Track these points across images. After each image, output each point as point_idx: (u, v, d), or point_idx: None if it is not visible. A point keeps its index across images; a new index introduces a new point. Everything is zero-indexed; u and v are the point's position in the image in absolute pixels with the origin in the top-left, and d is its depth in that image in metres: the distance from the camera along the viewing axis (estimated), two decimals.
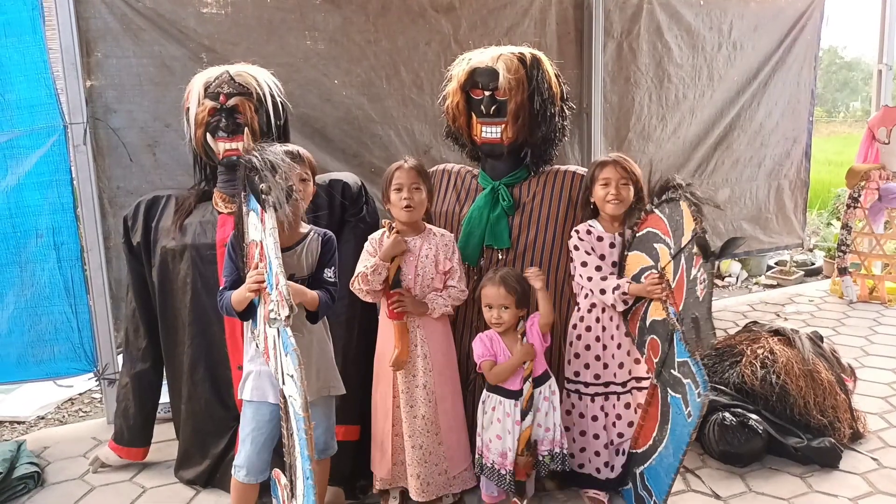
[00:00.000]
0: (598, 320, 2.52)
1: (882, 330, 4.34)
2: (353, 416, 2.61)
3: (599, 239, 2.55)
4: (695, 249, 2.14)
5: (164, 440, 3.01)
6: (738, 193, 4.99)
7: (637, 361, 2.53)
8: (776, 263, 6.18)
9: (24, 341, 3.24)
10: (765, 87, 4.89)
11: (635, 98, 4.38)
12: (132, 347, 2.87)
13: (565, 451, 2.42)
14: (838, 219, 6.14)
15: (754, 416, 2.83)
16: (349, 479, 2.63)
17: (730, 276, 6.03)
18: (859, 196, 4.97)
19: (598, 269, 2.51)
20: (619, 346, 2.51)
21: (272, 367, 2.01)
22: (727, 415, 2.83)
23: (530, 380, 2.36)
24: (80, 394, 3.90)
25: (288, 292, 1.83)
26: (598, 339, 2.52)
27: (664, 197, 2.37)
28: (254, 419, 2.20)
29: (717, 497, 2.59)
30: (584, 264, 2.53)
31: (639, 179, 2.53)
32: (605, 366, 2.51)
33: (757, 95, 4.87)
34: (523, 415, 2.34)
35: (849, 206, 5.01)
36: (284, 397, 1.95)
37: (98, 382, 3.39)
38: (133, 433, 2.88)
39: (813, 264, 6.16)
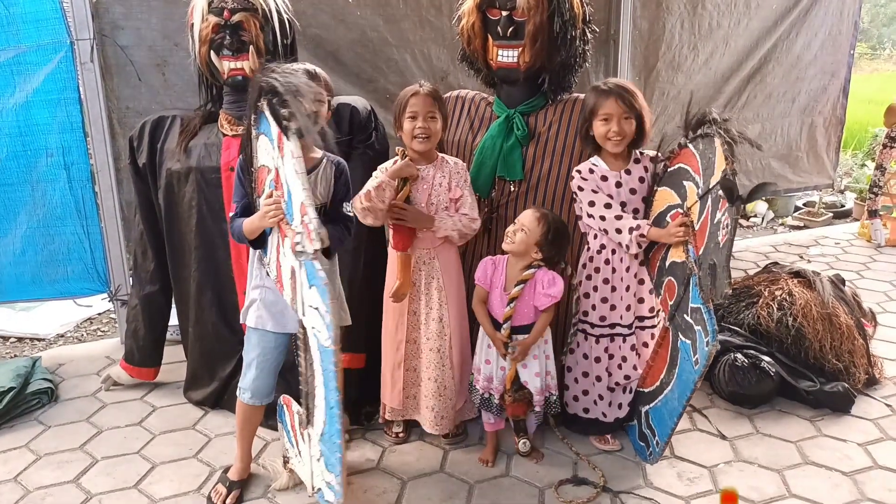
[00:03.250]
0: (607, 262, 2.43)
1: None
2: (358, 344, 2.61)
3: (604, 178, 2.40)
4: (720, 192, 2.03)
5: (175, 361, 3.05)
6: (769, 130, 4.79)
7: (641, 301, 2.46)
8: (804, 204, 6.00)
9: (37, 260, 3.27)
10: (805, 17, 4.61)
11: (666, 25, 4.15)
12: (141, 270, 2.87)
13: (554, 393, 2.42)
14: (873, 159, 5.90)
15: (767, 359, 2.78)
16: (355, 406, 2.65)
17: (755, 216, 5.87)
18: None
19: (608, 206, 2.36)
20: (627, 289, 2.43)
21: (287, 296, 1.97)
22: (739, 356, 2.78)
23: (507, 324, 2.32)
24: (100, 314, 3.96)
25: (318, 224, 1.75)
26: (606, 280, 2.44)
27: (699, 131, 2.22)
28: (259, 345, 2.19)
29: (724, 437, 2.57)
30: (591, 203, 2.38)
31: (642, 111, 2.35)
32: (613, 307, 2.45)
33: (796, 25, 4.60)
34: (504, 350, 2.34)
35: (885, 146, 4.79)
36: (304, 328, 1.93)
37: (112, 302, 3.43)
38: (143, 354, 2.92)
39: (843, 206, 5.96)
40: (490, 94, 2.77)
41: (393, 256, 2.44)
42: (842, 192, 6.31)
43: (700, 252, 2.14)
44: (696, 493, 2.28)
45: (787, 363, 2.81)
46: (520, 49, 2.49)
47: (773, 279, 3.16)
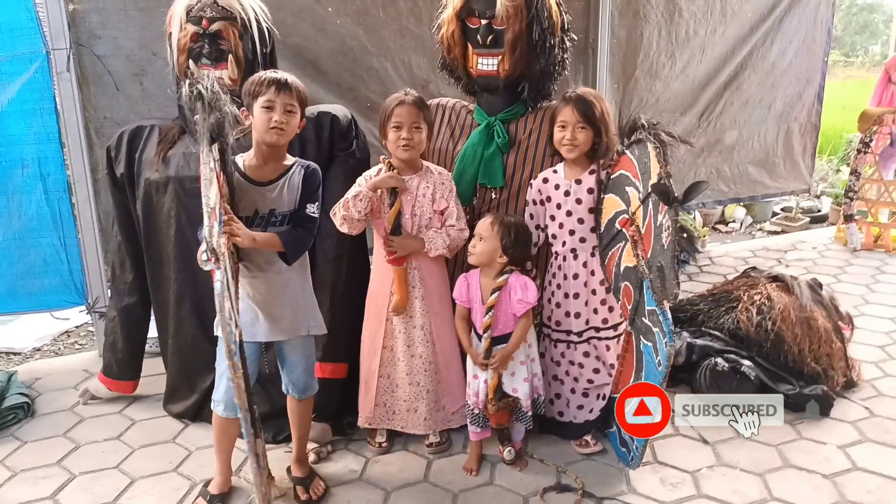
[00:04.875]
0: (560, 268, 2.49)
1: (884, 279, 4.27)
2: (341, 354, 2.60)
3: (556, 187, 2.47)
4: (656, 195, 2.06)
5: (154, 374, 3.01)
6: (746, 136, 4.85)
7: (595, 311, 2.49)
8: (781, 209, 6.08)
9: (13, 273, 3.22)
10: (779, 25, 4.68)
11: (644, 33, 4.20)
12: (119, 281, 2.84)
13: (540, 395, 2.45)
14: (848, 165, 6.00)
15: (747, 363, 2.80)
16: (337, 416, 2.63)
17: (734, 221, 5.94)
18: (870, 141, 4.81)
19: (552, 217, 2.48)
20: (576, 296, 2.47)
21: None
22: (720, 360, 2.80)
23: (486, 335, 2.34)
24: (77, 326, 3.90)
25: (210, 234, 1.75)
26: (559, 286, 2.49)
27: (633, 137, 2.27)
28: None
29: (705, 442, 2.59)
30: (530, 216, 2.52)
31: (600, 121, 2.37)
32: (567, 314, 2.50)
33: (771, 33, 4.67)
34: (486, 359, 2.36)
35: (859, 151, 4.87)
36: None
37: (89, 315, 3.38)
38: (121, 366, 2.88)
39: (819, 211, 6.05)
40: (470, 101, 2.78)
41: (381, 266, 2.45)
42: (818, 197, 6.40)
43: (648, 255, 2.16)
44: (680, 499, 2.29)
45: (767, 367, 2.83)
46: (499, 57, 2.51)
47: (751, 284, 3.20)
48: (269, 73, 2.12)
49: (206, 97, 1.85)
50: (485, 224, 2.35)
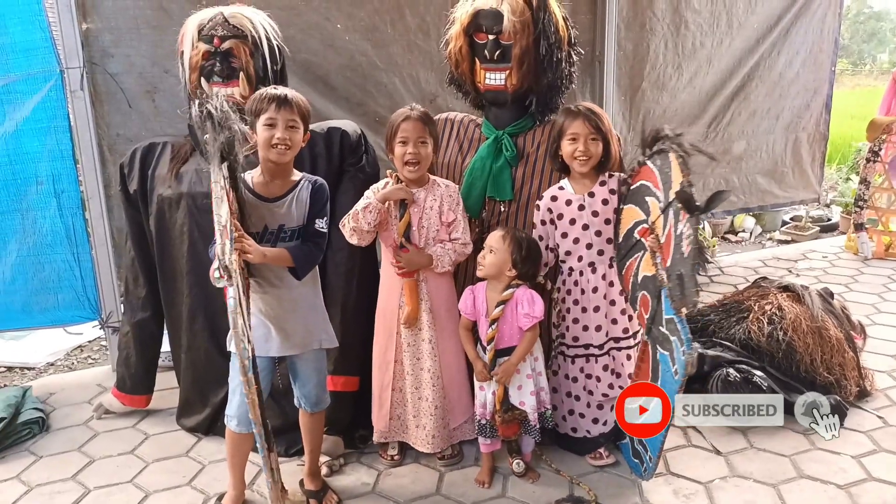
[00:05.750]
0: (576, 283, 2.49)
1: None
2: (352, 367, 2.61)
3: (568, 202, 2.47)
4: (679, 204, 2.07)
5: (168, 388, 3.03)
6: (755, 146, 4.85)
7: (614, 322, 2.48)
8: (791, 219, 6.06)
9: (28, 289, 3.26)
10: (786, 35, 4.69)
11: (650, 45, 4.22)
12: (132, 296, 2.86)
13: (547, 409, 2.45)
14: (857, 174, 5.98)
15: (759, 373, 2.79)
16: (349, 430, 2.64)
17: (743, 231, 5.93)
18: (880, 150, 4.81)
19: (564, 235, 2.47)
20: (596, 309, 2.47)
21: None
22: (731, 371, 2.79)
23: (490, 346, 2.35)
24: (90, 341, 3.93)
25: (222, 252, 1.77)
26: (576, 301, 2.49)
27: (655, 148, 2.28)
28: None
29: (718, 452, 2.58)
30: (539, 237, 2.49)
31: (608, 133, 2.41)
32: (585, 328, 2.49)
33: (777, 44, 4.68)
34: (489, 371, 2.37)
35: (868, 160, 4.86)
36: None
37: (103, 330, 3.41)
38: (135, 381, 2.89)
39: (829, 220, 6.03)
40: (478, 115, 2.80)
41: (389, 279, 2.46)
42: (828, 206, 6.38)
43: (668, 264, 2.17)
44: None
45: (779, 377, 2.82)
46: (507, 72, 2.53)
47: (762, 294, 3.19)
48: (269, 90, 2.13)
49: (215, 116, 1.87)
50: (496, 237, 2.36)
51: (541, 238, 2.51)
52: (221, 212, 1.83)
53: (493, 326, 2.33)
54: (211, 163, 1.87)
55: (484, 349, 2.37)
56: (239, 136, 1.92)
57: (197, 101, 1.92)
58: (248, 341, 1.83)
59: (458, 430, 2.57)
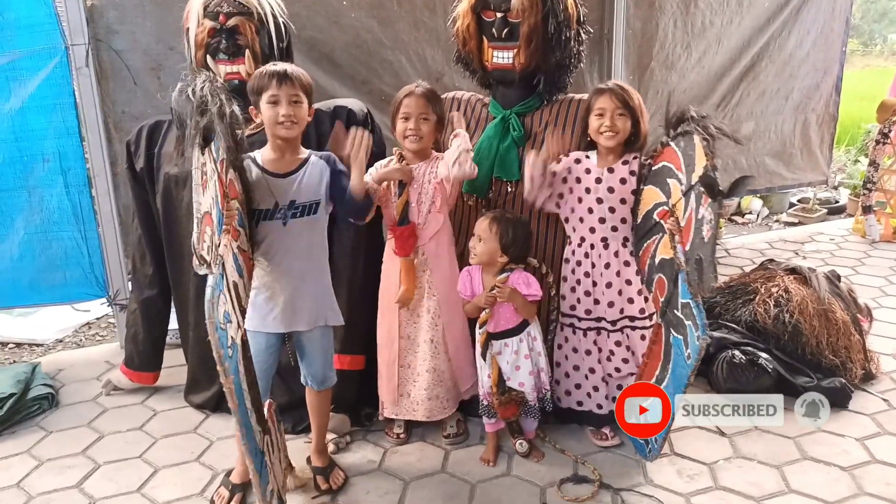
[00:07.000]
0: (586, 255, 2.48)
1: None
2: (358, 345, 2.62)
3: (587, 171, 2.45)
4: (702, 188, 2.05)
5: (175, 365, 3.05)
6: (763, 127, 4.80)
7: (631, 301, 2.47)
8: (798, 201, 6.02)
9: (35, 266, 3.27)
10: (797, 14, 4.62)
11: (659, 24, 4.17)
12: (139, 274, 2.87)
13: (547, 391, 2.46)
14: (866, 156, 5.93)
15: (764, 355, 2.79)
16: (355, 407, 2.66)
17: (750, 212, 5.89)
18: (889, 131, 4.75)
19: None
20: (608, 285, 2.46)
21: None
22: (737, 353, 2.80)
23: (483, 329, 2.36)
24: (98, 318, 3.95)
25: (198, 241, 1.76)
26: (587, 274, 2.48)
27: (679, 129, 2.25)
28: (250, 347, 2.19)
29: (723, 434, 2.59)
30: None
31: (637, 110, 2.38)
32: (596, 301, 2.48)
33: (788, 23, 4.61)
34: (482, 355, 2.39)
35: (877, 143, 4.81)
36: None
37: (110, 307, 3.43)
38: (143, 358, 2.92)
39: (837, 202, 5.98)
40: (485, 95, 2.78)
41: (392, 259, 2.46)
42: (836, 188, 6.33)
43: (687, 247, 2.16)
44: (697, 490, 2.29)
45: (785, 359, 2.82)
46: (515, 50, 2.51)
47: (769, 276, 3.18)
48: (269, 67, 2.12)
49: (193, 101, 1.81)
50: (483, 225, 2.37)
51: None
52: (201, 199, 1.80)
53: (487, 310, 2.35)
54: (191, 147, 1.82)
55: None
56: (226, 119, 1.84)
57: (178, 85, 1.87)
58: (239, 326, 1.81)
59: (468, 392, 2.59)
